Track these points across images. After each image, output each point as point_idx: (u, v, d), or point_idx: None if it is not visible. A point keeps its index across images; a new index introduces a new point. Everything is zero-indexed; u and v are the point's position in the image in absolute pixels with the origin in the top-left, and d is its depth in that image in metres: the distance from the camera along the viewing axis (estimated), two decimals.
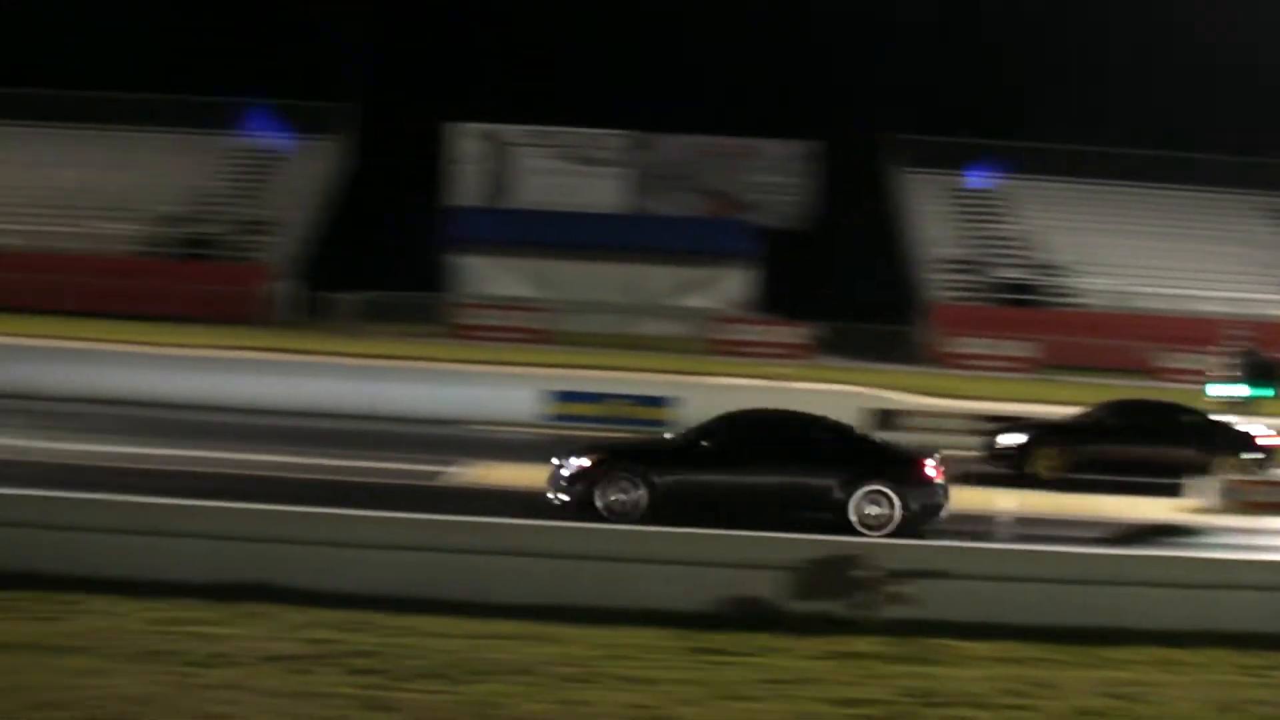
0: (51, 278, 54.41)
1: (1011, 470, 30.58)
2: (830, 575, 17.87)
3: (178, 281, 54.90)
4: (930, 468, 23.60)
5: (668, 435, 25.61)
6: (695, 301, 58.46)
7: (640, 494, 22.94)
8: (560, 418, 35.28)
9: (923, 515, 23.32)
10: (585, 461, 23.34)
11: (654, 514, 22.51)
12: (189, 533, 18.21)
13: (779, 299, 58.27)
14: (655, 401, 35.83)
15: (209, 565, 17.77)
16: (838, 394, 37.49)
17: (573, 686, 14.83)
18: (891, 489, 23.12)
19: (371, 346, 44.57)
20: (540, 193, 62.04)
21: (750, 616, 17.55)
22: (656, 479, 23.06)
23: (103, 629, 15.89)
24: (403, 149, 62.32)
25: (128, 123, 62.29)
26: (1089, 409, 32.33)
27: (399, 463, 28.22)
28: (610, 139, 63.16)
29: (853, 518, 22.95)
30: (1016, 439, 30.96)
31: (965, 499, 25.40)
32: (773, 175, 63.71)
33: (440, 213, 60.66)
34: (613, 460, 23.48)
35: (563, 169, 62.92)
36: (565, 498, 23.21)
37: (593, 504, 22.90)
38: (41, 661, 14.68)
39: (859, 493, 23.06)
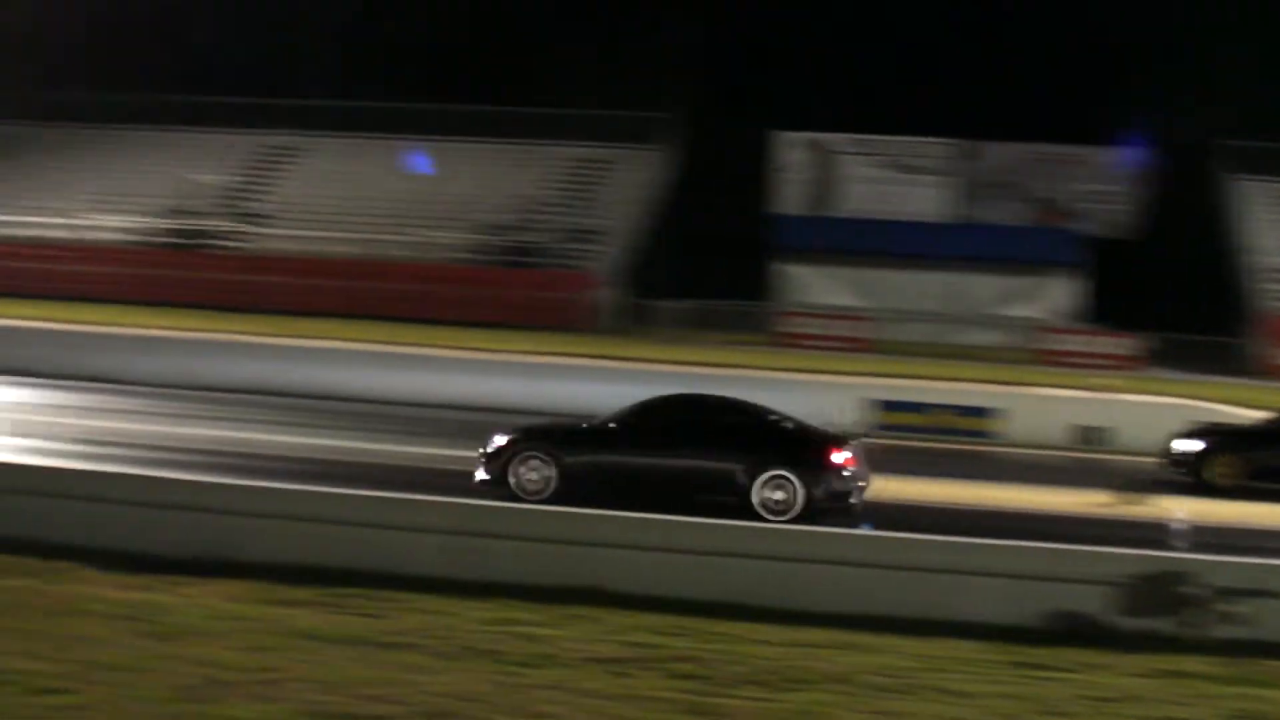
0: (383, 285, 56.02)
1: (1189, 477, 29.46)
2: (1157, 591, 17.50)
3: (504, 289, 55.97)
4: (837, 454, 23.56)
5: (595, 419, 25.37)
6: (1020, 311, 57.60)
7: (550, 473, 23.47)
8: (884, 427, 35.07)
9: (828, 502, 23.31)
10: (501, 440, 23.94)
11: (564, 492, 22.98)
12: (515, 535, 18.57)
13: (1106, 309, 57.12)
14: (979, 412, 35.47)
15: (534, 567, 18.10)
16: (1165, 406, 36.58)
17: (891, 697, 14.75)
18: (794, 474, 23.11)
19: (694, 354, 44.80)
20: (864, 201, 61.74)
21: (1072, 631, 17.27)
22: (566, 459, 23.55)
23: (430, 627, 16.26)
24: (727, 157, 62.57)
25: (459, 133, 63.71)
26: (1272, 415, 31.12)
27: None
28: (934, 147, 62.58)
29: (755, 501, 23.04)
30: (1193, 446, 29.76)
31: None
32: (1101, 183, 62.40)
33: (764, 221, 60.77)
34: (525, 440, 23.98)
35: (887, 177, 62.54)
36: (484, 475, 23.81)
37: (506, 481, 23.51)
38: (372, 656, 15.10)
39: (761, 477, 23.13)
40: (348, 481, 22.63)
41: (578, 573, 17.98)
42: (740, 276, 57.79)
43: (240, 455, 27.01)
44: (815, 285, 58.83)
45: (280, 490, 20.07)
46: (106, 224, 60.39)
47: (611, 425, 24.17)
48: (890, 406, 35.70)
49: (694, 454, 23.54)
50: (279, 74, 65.65)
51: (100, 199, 61.98)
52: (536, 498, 23.07)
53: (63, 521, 19.21)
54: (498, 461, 23.82)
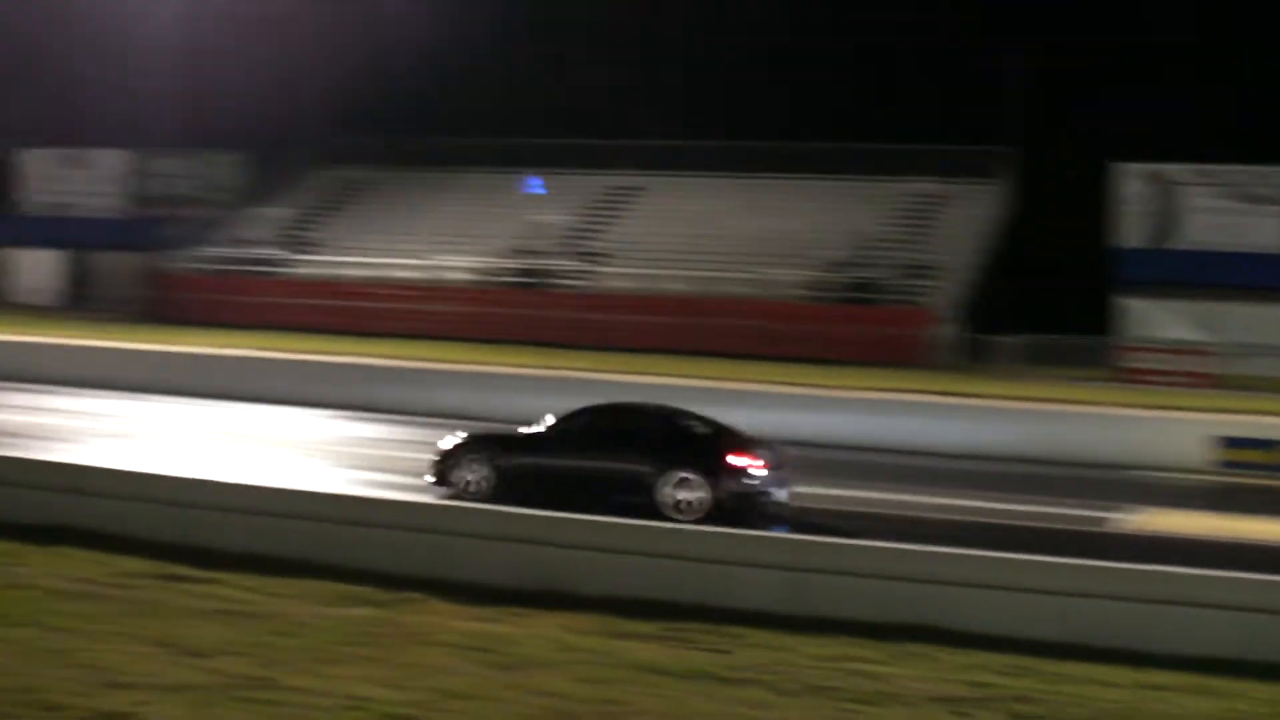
0: (722, 322, 56.46)
1: None
2: None
3: (840, 325, 55.95)
4: (740, 457, 24.61)
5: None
6: None
7: (486, 474, 25.20)
8: (1229, 464, 34.13)
9: (734, 504, 24.27)
10: (448, 445, 25.86)
11: (500, 493, 24.57)
12: (851, 571, 18.51)
13: None
14: None
15: (870, 604, 18.02)
16: None
17: None
18: (698, 476, 24.27)
19: (1032, 389, 44.23)
20: (1206, 232, 60.08)
21: None
22: (500, 462, 25.29)
23: (769, 663, 16.29)
24: (1065, 191, 61.71)
25: (797, 171, 63.98)
26: None
27: (1063, 507, 27.91)
28: (1278, 176, 60.73)
29: (662, 502, 24.20)
30: None
31: None
32: None
33: (1105, 254, 59.68)
34: (468, 444, 25.81)
35: (1230, 208, 60.74)
36: (431, 477, 25.67)
37: (449, 481, 25.36)
38: (714, 691, 15.18)
39: (668, 479, 24.32)
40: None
41: (914, 610, 17.84)
42: (1080, 311, 56.80)
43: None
44: (1157, 319, 57.54)
45: (615, 524, 20.29)
46: (453, 264, 61.95)
47: (543, 431, 25.73)
48: (1235, 444, 34.65)
49: (610, 457, 24.88)
50: (621, 115, 66.69)
51: (446, 240, 63.62)
52: (475, 497, 24.67)
53: (410, 553, 19.73)
54: (444, 464, 25.68)
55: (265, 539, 20.41)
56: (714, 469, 24.46)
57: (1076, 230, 60.38)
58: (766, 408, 38.12)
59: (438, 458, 25.84)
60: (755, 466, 24.69)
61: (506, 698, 14.56)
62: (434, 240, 63.66)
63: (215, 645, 15.90)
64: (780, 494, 25.12)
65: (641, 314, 57.62)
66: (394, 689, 14.60)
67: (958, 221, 61.57)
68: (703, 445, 25.03)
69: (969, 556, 18.75)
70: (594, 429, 25.44)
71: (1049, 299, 56.05)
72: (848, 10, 70.05)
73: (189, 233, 68.26)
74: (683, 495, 24.28)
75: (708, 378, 43.38)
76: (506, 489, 24.74)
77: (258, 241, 66.73)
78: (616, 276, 60.57)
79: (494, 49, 72.30)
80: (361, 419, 36.95)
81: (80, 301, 70.75)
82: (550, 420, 25.89)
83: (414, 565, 19.41)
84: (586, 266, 61.75)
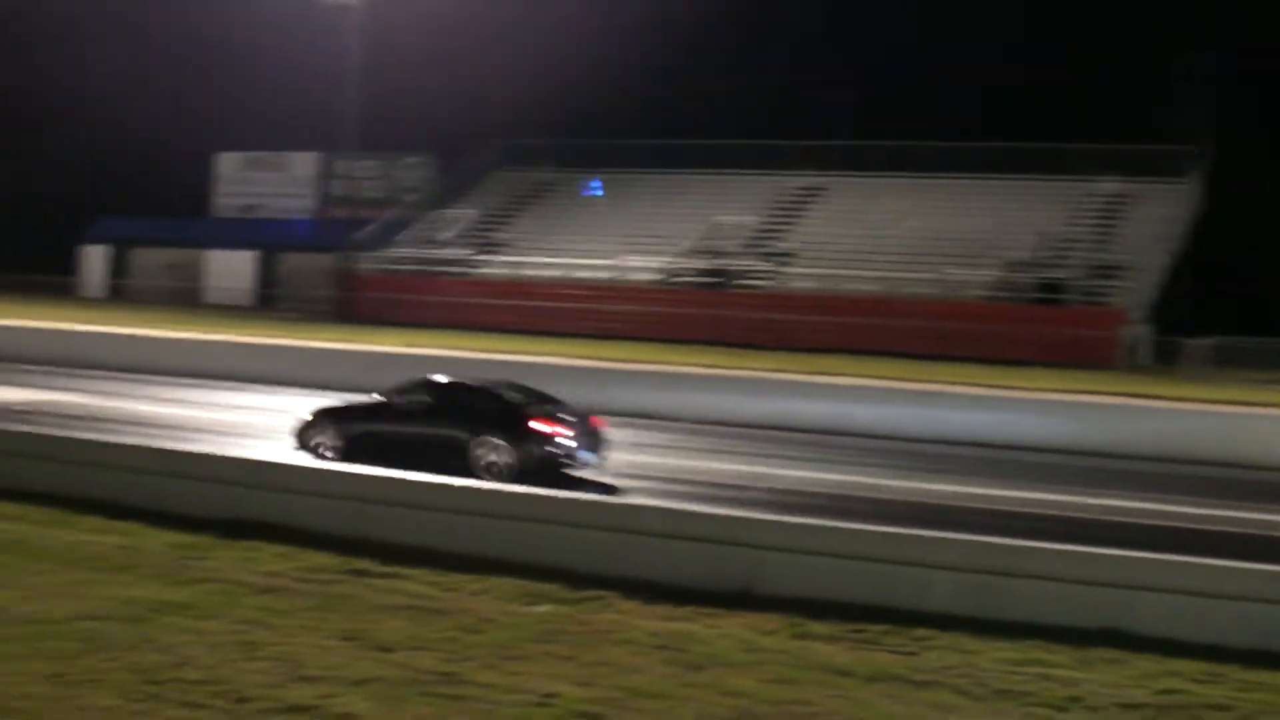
0: (905, 322, 56.12)
1: None
2: None
3: (1028, 326, 55.34)
4: (541, 423, 26.80)
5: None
6: None
7: (336, 442, 27.67)
8: None
9: (536, 466, 26.34)
10: (308, 416, 28.43)
11: (347, 456, 26.79)
12: (1037, 574, 18.26)
13: None
14: None
15: (1055, 606, 17.77)
16: None
17: None
18: (504, 440, 26.59)
19: (1221, 391, 43.44)
20: None
21: None
22: (347, 429, 27.86)
23: (955, 665, 16.13)
24: (1255, 190, 60.67)
25: (980, 170, 63.49)
26: None
27: (1255, 512, 27.36)
28: None
29: (472, 463, 26.37)
30: None
31: None
32: None
33: None
34: (321, 415, 28.41)
35: None
36: (294, 444, 28.09)
37: (307, 448, 27.87)
38: (899, 693, 15.06)
39: (477, 442, 26.62)
40: (866, 517, 22.71)
41: (1101, 613, 17.56)
42: (1272, 312, 55.82)
43: (758, 489, 27.39)
44: None
45: (801, 525, 20.17)
46: (637, 264, 62.16)
47: (381, 402, 28.24)
48: None
49: (433, 424, 27.26)
50: (803, 116, 66.68)
51: (630, 240, 63.88)
52: (329, 459, 26.99)
53: (594, 551, 19.78)
54: (301, 433, 28.23)
55: (446, 535, 20.58)
56: (517, 434, 26.70)
57: (1268, 230, 59.40)
58: (944, 407, 37.95)
59: (299, 426, 28.30)
60: (559, 433, 26.85)
61: (694, 697, 14.54)
62: (618, 240, 63.95)
63: (401, 640, 16.05)
64: (588, 458, 27.26)
65: (824, 314, 57.45)
66: (582, 686, 14.64)
67: (1146, 221, 60.70)
68: (510, 413, 27.23)
69: (1160, 561, 18.42)
70: (423, 400, 27.75)
71: (1239, 300, 55.16)
72: (1033, 9, 69.50)
73: (377, 233, 69.18)
74: (490, 457, 26.54)
75: (888, 377, 43.16)
76: (352, 452, 26.92)
77: (444, 242, 67.43)
78: (800, 277, 60.48)
79: (677, 51, 72.56)
80: None
81: (270, 301, 72.04)
82: (385, 392, 28.50)
83: (598, 563, 19.46)
84: (770, 267, 61.69)
